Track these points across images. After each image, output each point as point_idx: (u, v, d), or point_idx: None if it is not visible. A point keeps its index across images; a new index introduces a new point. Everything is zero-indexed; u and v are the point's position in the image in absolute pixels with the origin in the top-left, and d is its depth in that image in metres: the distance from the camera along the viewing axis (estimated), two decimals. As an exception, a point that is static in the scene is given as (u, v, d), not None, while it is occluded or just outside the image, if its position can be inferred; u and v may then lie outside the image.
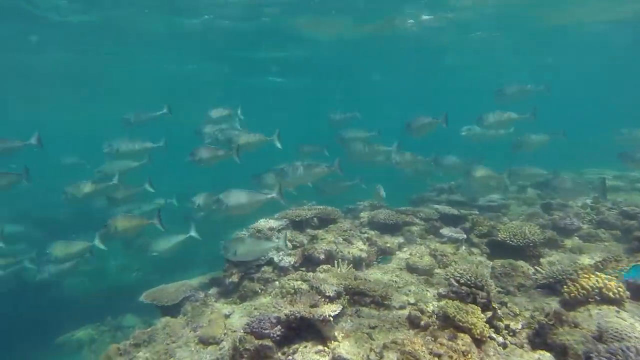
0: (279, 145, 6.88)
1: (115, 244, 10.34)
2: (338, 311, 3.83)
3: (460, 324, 3.30)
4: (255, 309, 5.08)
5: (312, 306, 3.91)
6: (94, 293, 9.90)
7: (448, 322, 3.45)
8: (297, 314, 3.75)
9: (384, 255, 5.96)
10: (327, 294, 4.21)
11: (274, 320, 3.84)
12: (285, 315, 3.81)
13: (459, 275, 4.04)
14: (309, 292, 4.32)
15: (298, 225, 6.27)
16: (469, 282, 3.91)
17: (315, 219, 6.28)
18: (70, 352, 7.49)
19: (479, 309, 3.47)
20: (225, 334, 4.59)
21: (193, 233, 6.31)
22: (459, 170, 7.99)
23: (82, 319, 9.06)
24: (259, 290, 5.50)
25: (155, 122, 8.40)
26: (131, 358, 4.58)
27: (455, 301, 3.57)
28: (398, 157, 8.04)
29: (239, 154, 6.50)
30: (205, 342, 4.51)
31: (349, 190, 8.61)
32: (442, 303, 3.84)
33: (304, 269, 5.67)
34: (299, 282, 5.06)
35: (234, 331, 4.62)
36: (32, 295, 9.42)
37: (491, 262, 5.33)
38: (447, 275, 4.24)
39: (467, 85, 25.06)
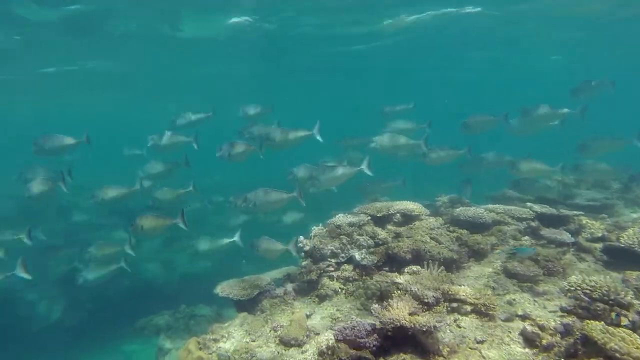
0: (319, 138, 6.78)
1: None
2: (443, 322, 3.27)
3: (619, 355, 2.58)
4: (337, 310, 4.65)
5: (411, 314, 3.38)
6: (168, 280, 10.08)
7: (592, 348, 2.76)
8: (396, 323, 3.24)
9: (475, 256, 5.28)
10: (426, 300, 3.65)
11: (369, 328, 3.36)
12: (382, 323, 3.31)
13: (589, 287, 3.31)
14: (401, 296, 3.79)
15: (379, 221, 5.74)
16: (605, 298, 3.17)
17: (398, 214, 5.72)
18: (149, 335, 7.58)
19: (636, 335, 2.74)
20: (307, 336, 4.20)
21: (236, 238, 6.68)
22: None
23: (158, 304, 9.24)
24: (339, 290, 5.06)
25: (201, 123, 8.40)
26: (211, 353, 4.33)
27: (596, 322, 2.86)
28: (432, 154, 7.88)
29: (262, 150, 6.59)
30: (286, 343, 4.15)
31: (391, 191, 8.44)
32: (576, 322, 3.14)
33: (386, 268, 5.15)
34: (386, 284, 4.54)
35: (317, 334, 4.21)
36: (114, 279, 9.78)
37: (616, 273, 4.47)
38: (571, 286, 3.51)
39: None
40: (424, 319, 3.23)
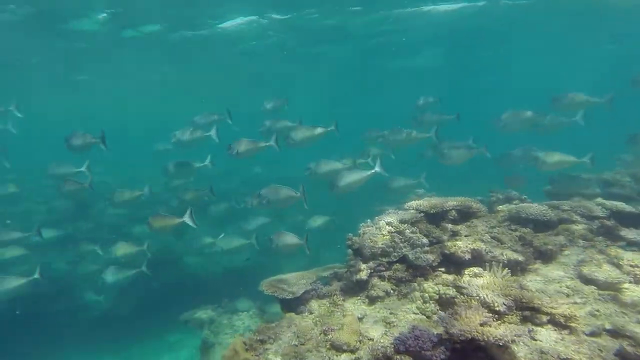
0: (337, 134, 6.91)
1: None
2: (523, 336, 2.83)
3: None
4: (390, 313, 4.27)
5: (482, 324, 2.96)
6: (210, 273, 10.06)
7: None
8: (466, 334, 2.83)
9: (542, 258, 4.73)
10: (497, 308, 3.20)
11: (435, 339, 2.97)
12: (450, 334, 2.91)
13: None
14: (468, 303, 3.36)
15: (433, 218, 5.29)
16: None
17: (453, 211, 5.24)
18: (193, 329, 7.54)
19: None
20: (360, 341, 3.85)
21: (253, 241, 7.10)
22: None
23: (201, 297, 9.24)
24: (391, 291, 4.67)
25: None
26: (258, 355, 4.08)
27: None
28: (450, 153, 7.91)
29: (278, 144, 6.71)
30: (338, 348, 3.82)
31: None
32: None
33: (442, 269, 4.71)
34: (444, 287, 4.11)
35: (370, 339, 3.86)
36: (160, 272, 9.89)
37: None
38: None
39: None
40: (499, 332, 2.80)
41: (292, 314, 4.65)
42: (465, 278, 4.00)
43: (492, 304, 3.19)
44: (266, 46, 16.86)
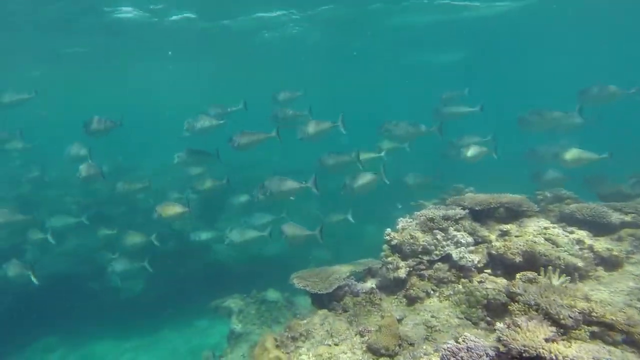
0: (343, 130, 6.88)
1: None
2: (602, 357, 2.39)
3: None
4: (432, 316, 3.88)
5: (547, 340, 2.54)
6: (239, 262, 9.94)
7: None
8: (530, 351, 2.43)
9: (604, 265, 4.21)
10: (562, 321, 2.77)
11: (492, 353, 2.58)
12: (510, 349, 2.51)
13: None
14: (527, 312, 2.94)
15: (478, 215, 4.84)
16: None
17: (501, 209, 4.77)
18: (222, 317, 7.41)
19: None
20: (399, 346, 3.50)
21: (265, 233, 6.93)
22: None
23: (230, 285, 9.16)
24: (432, 292, 4.29)
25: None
26: (289, 352, 3.81)
27: None
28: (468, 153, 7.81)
29: (279, 135, 6.68)
30: (375, 352, 3.49)
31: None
32: None
33: (488, 271, 4.28)
34: (494, 292, 3.68)
35: (411, 344, 3.50)
36: (190, 258, 9.88)
37: None
38: None
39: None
40: (571, 352, 2.39)
41: (325, 311, 4.35)
42: (519, 283, 3.55)
43: (556, 316, 2.76)
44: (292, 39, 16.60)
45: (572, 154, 6.72)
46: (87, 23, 13.38)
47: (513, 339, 2.48)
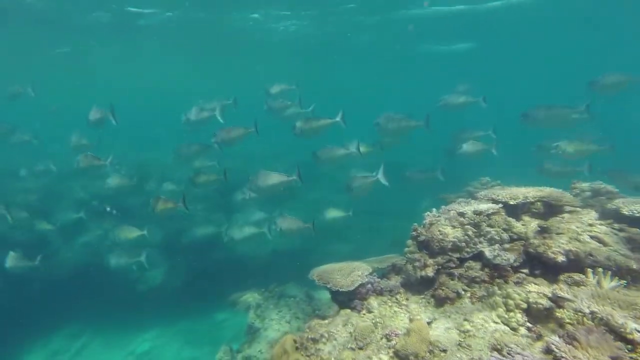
0: (343, 125, 6.83)
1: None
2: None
3: None
4: (465, 319, 3.51)
5: (613, 358, 2.15)
6: (259, 254, 9.72)
7: None
8: (592, 370, 2.04)
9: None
10: (628, 336, 2.37)
11: (545, 370, 2.20)
12: (568, 366, 2.13)
13: None
14: (584, 323, 2.54)
15: (512, 210, 4.41)
16: None
17: (539, 203, 4.33)
18: (240, 311, 7.19)
19: None
20: (431, 352, 3.15)
21: (266, 230, 7.03)
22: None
23: (248, 278, 8.97)
24: (462, 292, 3.91)
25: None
26: (310, 354, 3.51)
27: None
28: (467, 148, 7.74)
29: (257, 131, 6.61)
30: (404, 358, 3.15)
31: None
32: None
33: (525, 271, 3.87)
34: (536, 295, 3.28)
35: (444, 351, 3.15)
36: (210, 251, 9.71)
37: None
38: None
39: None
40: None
41: (348, 311, 4.03)
42: (564, 286, 3.15)
43: (621, 329, 2.36)
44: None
45: (573, 145, 6.76)
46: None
47: (574, 357, 2.09)
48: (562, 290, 2.99)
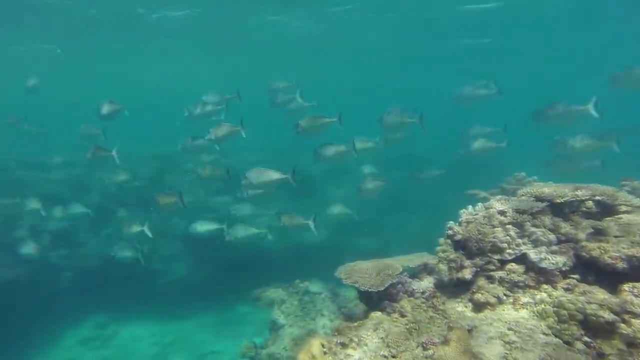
0: (340, 126, 6.86)
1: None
2: None
3: None
4: (509, 329, 3.16)
5: None
6: (283, 248, 9.53)
7: None
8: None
9: None
10: None
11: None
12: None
13: None
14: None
15: (558, 209, 3.99)
16: None
17: (591, 202, 3.89)
18: (264, 306, 7.02)
19: None
20: (473, 365, 2.82)
21: (265, 230, 7.08)
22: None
23: (272, 272, 8.82)
24: (504, 297, 3.54)
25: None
26: (338, 360, 3.23)
27: None
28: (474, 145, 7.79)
29: (245, 130, 6.69)
30: (443, 370, 2.83)
31: None
32: None
33: (576, 276, 3.45)
34: (595, 307, 2.89)
35: (488, 364, 2.81)
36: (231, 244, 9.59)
37: None
38: None
39: None
40: None
41: (379, 314, 3.72)
42: (629, 297, 2.75)
43: None
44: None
45: (582, 141, 6.79)
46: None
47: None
48: (632, 304, 2.59)
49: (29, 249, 7.42)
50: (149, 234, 7.04)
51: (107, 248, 8.28)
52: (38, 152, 11.30)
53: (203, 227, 7.12)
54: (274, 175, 6.09)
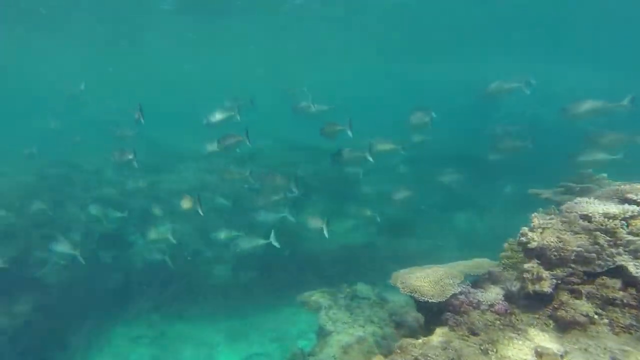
0: (350, 134, 7.15)
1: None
2: None
3: None
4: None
5: None
6: (326, 251, 9.25)
7: None
8: None
9: None
10: None
11: None
12: None
13: None
14: None
15: (657, 213, 3.40)
16: None
17: (702, 205, 3.27)
18: (310, 311, 6.75)
19: None
20: (569, 400, 2.36)
21: (272, 240, 6.84)
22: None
23: (318, 274, 8.59)
24: (595, 316, 3.02)
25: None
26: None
27: None
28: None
29: (249, 138, 7.03)
30: (533, 405, 2.40)
31: None
32: None
33: (686, 294, 2.88)
34: None
35: (589, 400, 2.34)
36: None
37: None
38: None
39: None
40: None
41: (445, 330, 3.32)
42: None
43: None
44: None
45: (584, 105, 6.59)
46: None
47: None
48: None
49: (78, 249, 7.57)
50: (173, 239, 7.22)
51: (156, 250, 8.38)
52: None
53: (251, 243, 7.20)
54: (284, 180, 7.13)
